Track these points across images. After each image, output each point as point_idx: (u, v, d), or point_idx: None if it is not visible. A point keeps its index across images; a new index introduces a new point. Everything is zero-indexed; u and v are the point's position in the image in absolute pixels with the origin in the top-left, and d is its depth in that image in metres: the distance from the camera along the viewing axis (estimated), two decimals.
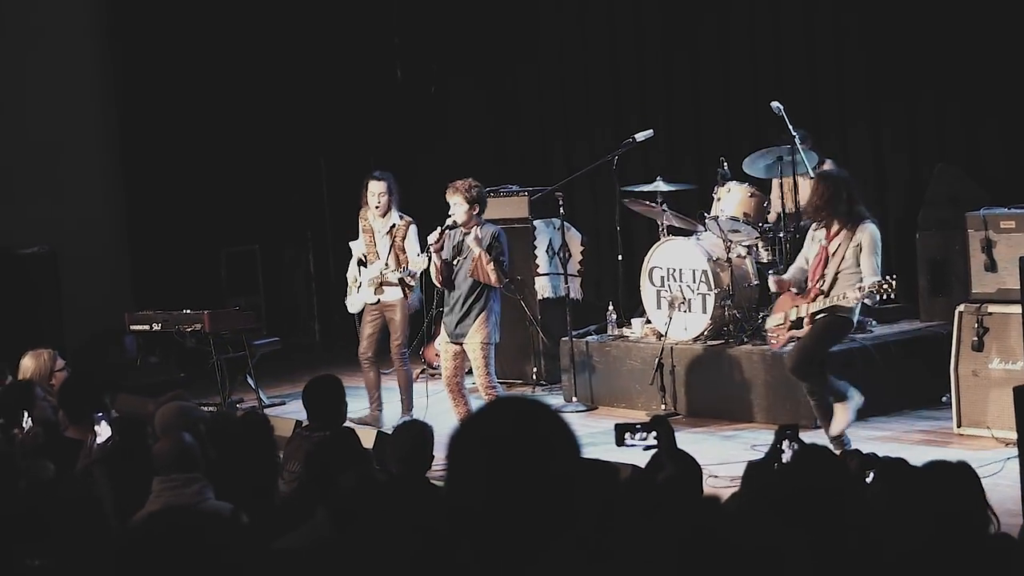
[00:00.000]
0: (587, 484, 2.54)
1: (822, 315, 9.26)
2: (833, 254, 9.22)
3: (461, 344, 10.00)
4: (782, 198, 11.13)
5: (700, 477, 5.45)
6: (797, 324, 9.39)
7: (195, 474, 6.05)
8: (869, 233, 9.17)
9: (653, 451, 5.66)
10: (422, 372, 13.10)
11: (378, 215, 11.45)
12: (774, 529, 2.24)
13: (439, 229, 10.03)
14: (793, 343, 9.49)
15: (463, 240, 9.97)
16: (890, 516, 3.69)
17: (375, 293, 11.46)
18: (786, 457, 5.46)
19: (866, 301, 9.27)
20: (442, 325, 10.26)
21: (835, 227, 9.26)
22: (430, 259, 10.11)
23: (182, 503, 5.76)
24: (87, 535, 5.07)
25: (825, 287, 9.23)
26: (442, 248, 10.02)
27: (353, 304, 11.71)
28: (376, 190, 11.41)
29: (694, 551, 2.30)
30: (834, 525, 3.39)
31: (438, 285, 10.22)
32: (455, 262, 9.98)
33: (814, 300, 9.28)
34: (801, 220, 11.27)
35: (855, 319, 9.45)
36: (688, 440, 8.83)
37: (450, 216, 10.00)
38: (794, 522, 3.08)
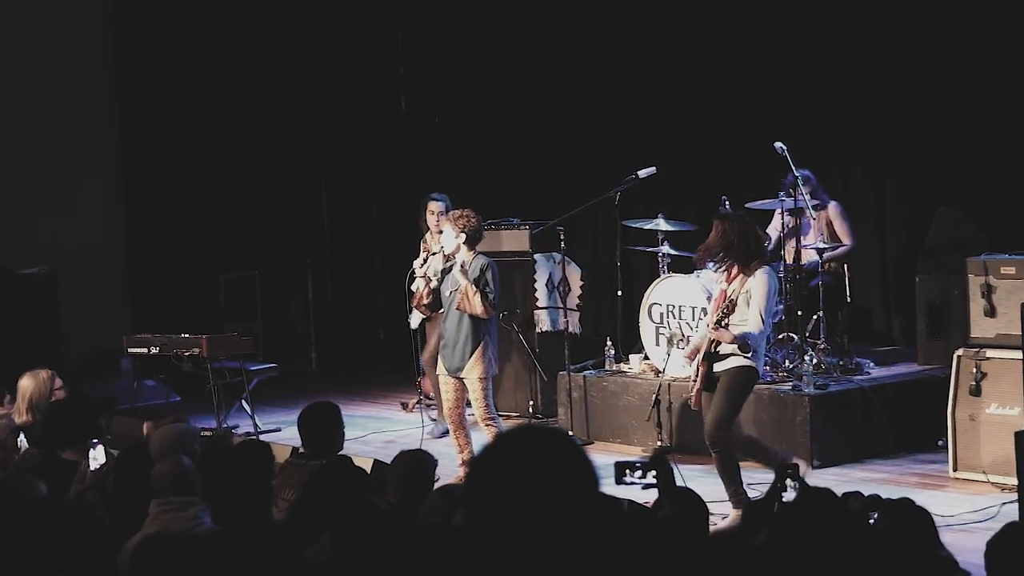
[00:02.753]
0: (604, 514, 2.54)
1: (717, 366, 8.91)
2: (729, 300, 8.86)
3: (459, 377, 10.00)
4: (782, 230, 11.18)
5: (706, 515, 5.44)
6: (705, 378, 8.97)
7: (192, 497, 6.03)
8: (760, 280, 8.78)
9: (652, 489, 5.66)
10: (417, 403, 13.09)
11: (434, 232, 11.77)
12: (796, 561, 2.24)
13: (425, 254, 10.23)
14: (703, 395, 9.00)
15: (451, 269, 9.99)
16: (898, 554, 3.69)
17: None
18: (787, 496, 5.46)
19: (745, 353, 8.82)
20: (439, 359, 10.27)
21: (733, 270, 8.93)
22: (413, 282, 10.31)
23: (178, 527, 5.74)
24: (90, 556, 5.05)
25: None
26: (427, 273, 10.14)
27: (414, 320, 11.98)
28: (436, 209, 11.91)
29: None
30: (842, 562, 3.38)
31: (418, 310, 10.44)
32: (448, 293, 9.99)
33: (705, 347, 8.91)
34: (801, 262, 11.31)
35: (759, 366, 9.05)
36: (684, 477, 8.80)
37: (439, 245, 10.13)
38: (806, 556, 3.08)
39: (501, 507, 2.60)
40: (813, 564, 2.38)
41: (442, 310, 10.17)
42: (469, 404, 10.20)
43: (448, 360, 10.02)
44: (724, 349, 8.87)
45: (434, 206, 12.01)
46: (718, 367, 8.93)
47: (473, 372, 9.90)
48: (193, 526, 5.90)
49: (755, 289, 8.77)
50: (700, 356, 8.95)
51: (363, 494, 5.93)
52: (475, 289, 9.77)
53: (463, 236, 9.89)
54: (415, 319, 12.08)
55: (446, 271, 10.07)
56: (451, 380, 10.05)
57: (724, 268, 9.04)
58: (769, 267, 9.04)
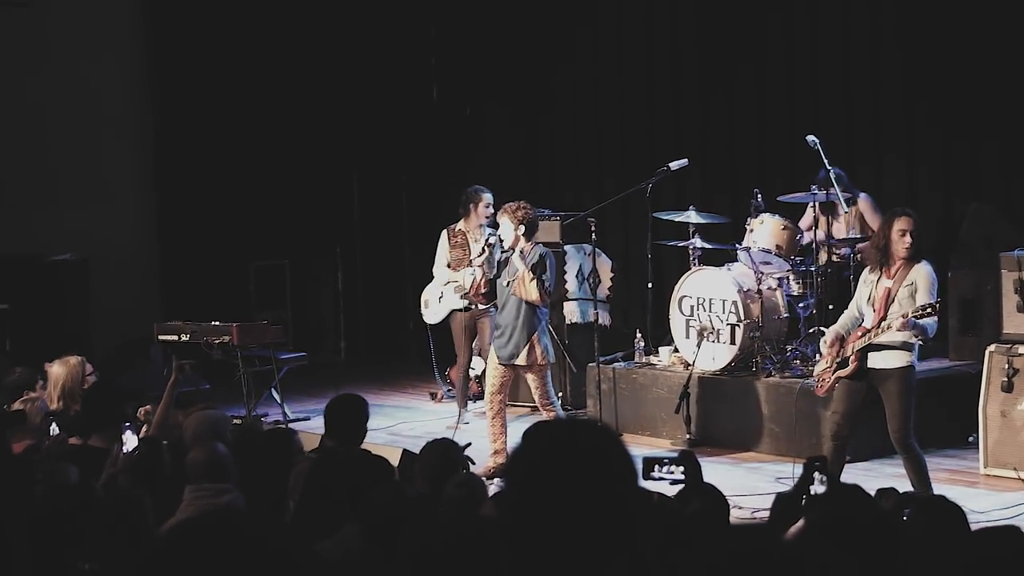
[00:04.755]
0: (643, 508, 2.53)
1: (875, 360, 8.73)
2: (893, 296, 8.66)
3: (511, 366, 10.08)
4: (814, 224, 11.13)
5: (727, 510, 5.43)
6: (843, 364, 8.82)
7: (227, 484, 6.05)
8: (924, 271, 8.62)
9: (679, 486, 5.66)
10: (448, 392, 13.12)
11: (485, 225, 12.01)
12: (830, 554, 2.23)
13: (482, 246, 10.35)
14: (839, 384, 8.86)
15: (509, 259, 10.09)
16: (930, 551, 3.67)
17: (463, 299, 12.09)
18: (815, 489, 5.44)
19: (916, 340, 8.62)
20: (491, 347, 10.35)
21: (894, 267, 8.72)
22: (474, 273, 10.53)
23: None
24: (130, 539, 5.07)
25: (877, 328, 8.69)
26: (484, 264, 10.36)
27: (434, 315, 12.27)
28: (490, 200, 12.03)
29: (751, 571, 2.28)
30: (876, 558, 3.37)
31: (473, 299, 10.90)
32: (507, 284, 10.09)
33: (860, 337, 8.73)
34: (832, 256, 11.25)
35: (915, 363, 8.81)
36: (712, 471, 8.79)
37: (495, 235, 10.31)
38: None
39: (541, 498, 2.59)
40: (846, 560, 2.38)
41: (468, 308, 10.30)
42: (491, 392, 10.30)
43: (502, 348, 10.12)
44: (882, 341, 8.65)
45: (489, 198, 12.06)
46: (877, 362, 8.73)
47: (528, 359, 10.05)
48: (216, 511, 5.91)
49: (920, 281, 8.60)
50: (854, 347, 8.75)
51: (394, 482, 5.93)
52: (532, 275, 9.90)
53: (522, 227, 10.01)
54: (434, 314, 12.24)
55: (503, 263, 10.18)
56: (500, 367, 10.15)
57: (879, 268, 8.82)
58: (929, 260, 8.80)
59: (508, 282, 10.09)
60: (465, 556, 3.57)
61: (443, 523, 5.39)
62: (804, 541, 2.34)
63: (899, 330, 8.49)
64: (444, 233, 12.30)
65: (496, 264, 10.27)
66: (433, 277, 12.44)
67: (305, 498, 6.44)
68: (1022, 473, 9.69)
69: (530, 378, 10.14)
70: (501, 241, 10.22)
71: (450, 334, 12.41)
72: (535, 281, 9.93)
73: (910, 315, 8.39)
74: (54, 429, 8.21)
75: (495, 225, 12.05)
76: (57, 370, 8.79)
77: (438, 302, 12.36)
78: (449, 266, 12.23)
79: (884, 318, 8.63)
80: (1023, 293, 10.04)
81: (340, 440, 7.54)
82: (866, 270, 9.02)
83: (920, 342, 8.68)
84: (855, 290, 10.89)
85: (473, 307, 12.09)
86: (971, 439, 10.28)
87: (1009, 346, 9.99)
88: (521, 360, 10.05)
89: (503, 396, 10.26)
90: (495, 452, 10.16)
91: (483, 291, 10.36)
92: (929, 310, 8.40)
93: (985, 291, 11.09)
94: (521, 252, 10.03)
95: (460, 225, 12.23)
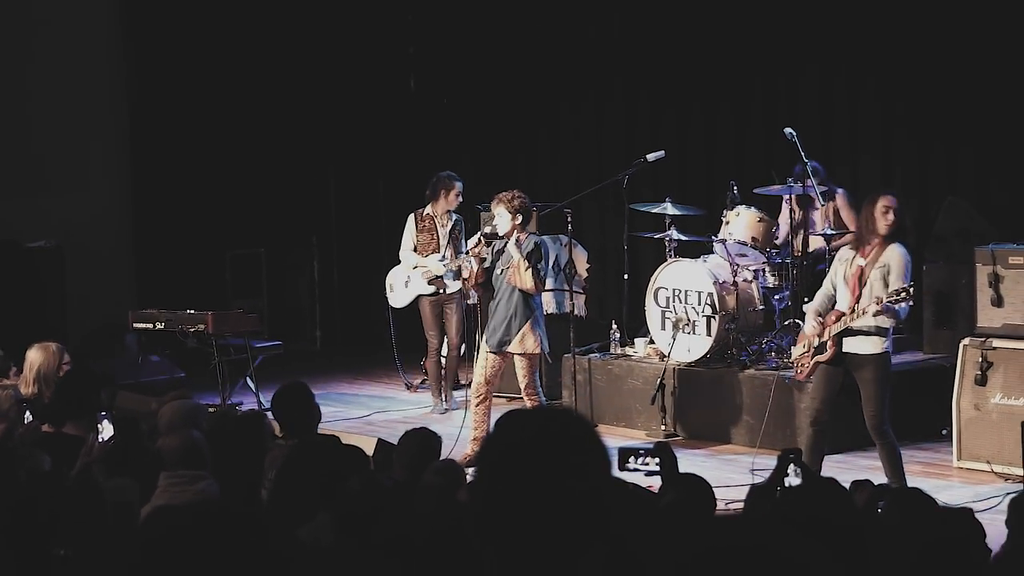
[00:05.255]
0: (618, 498, 2.53)
1: (851, 345, 8.77)
2: (866, 276, 8.68)
3: (502, 353, 10.11)
4: (791, 219, 11.16)
5: (713, 500, 5.44)
6: (820, 349, 8.84)
7: (202, 472, 6.05)
8: (897, 254, 8.62)
9: (654, 477, 5.67)
10: (422, 383, 13.11)
11: (452, 211, 12.28)
12: (808, 548, 2.23)
13: (478, 235, 10.41)
14: (816, 371, 8.91)
15: (505, 248, 10.13)
16: (902, 543, 3.69)
17: (430, 284, 12.26)
18: (789, 481, 5.46)
19: (890, 322, 8.66)
20: (484, 334, 10.38)
21: (871, 247, 8.72)
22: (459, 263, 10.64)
23: (186, 500, 5.75)
24: (108, 527, 5.06)
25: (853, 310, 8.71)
26: (480, 254, 10.40)
27: (400, 300, 12.42)
28: (461, 188, 12.24)
29: (728, 565, 2.29)
30: (850, 551, 3.38)
31: (471, 289, 11.05)
32: (499, 272, 10.13)
33: (836, 321, 8.76)
34: (808, 248, 11.29)
35: (890, 348, 8.87)
36: (687, 462, 8.81)
37: (491, 225, 10.35)
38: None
39: (512, 486, 2.59)
40: (820, 552, 2.39)
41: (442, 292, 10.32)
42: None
43: (493, 335, 10.15)
44: (857, 326, 8.67)
45: (460, 186, 12.17)
46: (852, 347, 8.76)
47: (521, 347, 10.11)
48: (200, 500, 5.91)
49: (893, 263, 8.61)
50: (831, 332, 8.75)
51: (367, 472, 5.93)
52: (527, 264, 9.95)
53: (519, 216, 10.04)
54: (400, 298, 12.32)
55: (497, 252, 10.22)
56: (491, 356, 10.18)
57: (855, 248, 8.83)
58: (903, 243, 8.79)
59: (502, 271, 10.14)
60: (442, 544, 3.58)
61: (420, 511, 5.39)
62: (777, 534, 2.34)
63: (874, 315, 8.53)
64: (411, 217, 12.36)
65: (491, 253, 10.32)
66: (399, 261, 12.50)
67: (279, 487, 6.45)
68: (995, 466, 9.73)
69: (519, 365, 10.19)
70: (495, 230, 10.23)
71: (418, 320, 12.45)
72: (530, 270, 10.00)
73: (884, 300, 8.44)
74: (27, 417, 8.19)
75: (460, 211, 12.18)
76: (34, 355, 8.73)
77: (404, 287, 12.40)
78: (416, 250, 12.27)
79: (859, 298, 8.67)
80: (997, 287, 10.08)
81: (291, 432, 7.37)
82: (844, 248, 9.04)
83: (893, 324, 8.71)
84: None
85: (440, 292, 12.16)
86: (944, 432, 10.32)
87: (983, 340, 10.04)
88: (514, 347, 10.10)
89: (491, 386, 10.29)
90: (474, 439, 10.20)
91: (481, 280, 10.42)
92: (903, 294, 8.44)
93: (959, 285, 11.13)
94: (517, 241, 10.07)
95: (428, 209, 12.27)
